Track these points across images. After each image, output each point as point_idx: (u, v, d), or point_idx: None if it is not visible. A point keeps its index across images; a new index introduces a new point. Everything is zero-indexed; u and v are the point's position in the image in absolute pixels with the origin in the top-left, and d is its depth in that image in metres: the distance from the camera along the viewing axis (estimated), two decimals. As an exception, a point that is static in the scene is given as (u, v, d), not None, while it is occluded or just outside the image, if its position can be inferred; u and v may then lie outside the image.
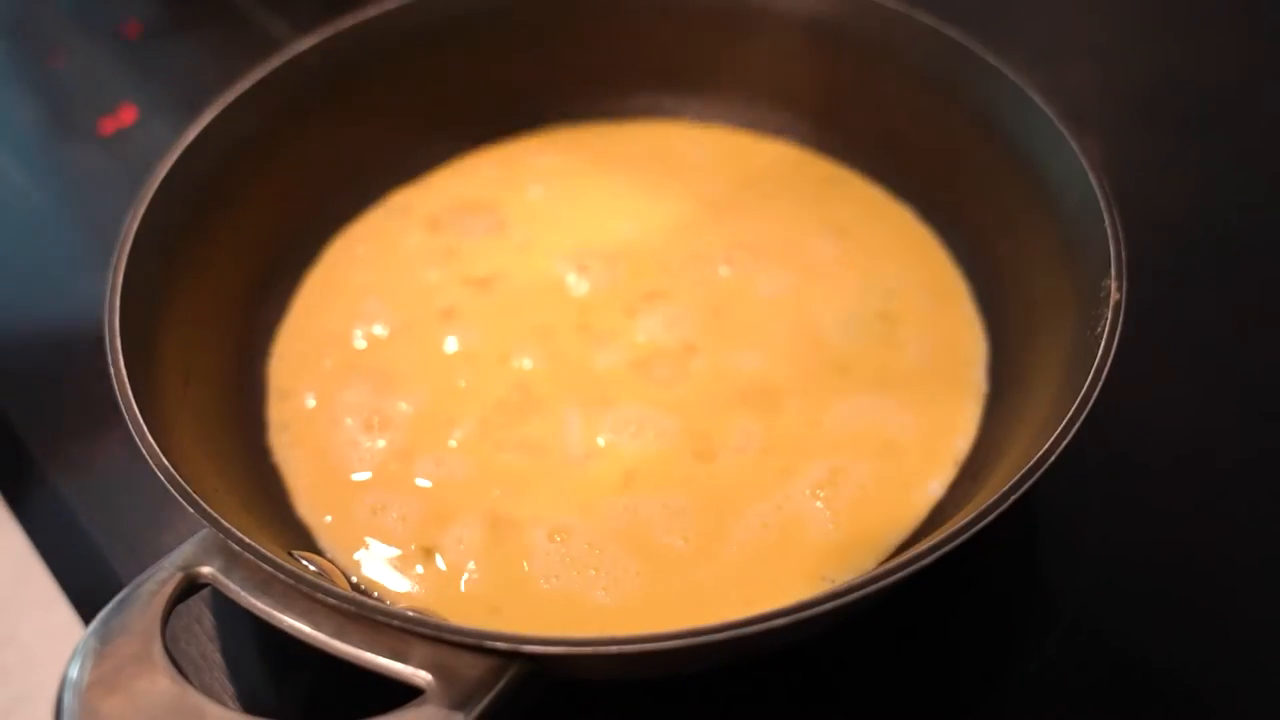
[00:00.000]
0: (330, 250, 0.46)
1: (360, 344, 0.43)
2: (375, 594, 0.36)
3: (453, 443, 0.40)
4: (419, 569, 0.36)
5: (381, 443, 0.40)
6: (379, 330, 0.44)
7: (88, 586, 0.40)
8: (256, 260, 0.43)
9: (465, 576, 0.36)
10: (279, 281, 0.45)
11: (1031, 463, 0.31)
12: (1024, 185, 0.41)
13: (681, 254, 0.46)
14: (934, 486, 0.38)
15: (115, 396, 0.33)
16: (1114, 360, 0.33)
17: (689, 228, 0.47)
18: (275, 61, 0.44)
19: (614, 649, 0.28)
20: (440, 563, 0.37)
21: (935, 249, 0.45)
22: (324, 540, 0.37)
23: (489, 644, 0.28)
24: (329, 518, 0.38)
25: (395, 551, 0.37)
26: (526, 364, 0.42)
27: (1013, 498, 0.30)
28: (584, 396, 0.41)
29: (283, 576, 0.29)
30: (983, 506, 0.30)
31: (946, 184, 0.45)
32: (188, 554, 0.31)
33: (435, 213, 0.48)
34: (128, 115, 0.56)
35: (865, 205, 0.47)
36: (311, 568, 0.32)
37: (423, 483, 0.39)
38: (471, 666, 0.28)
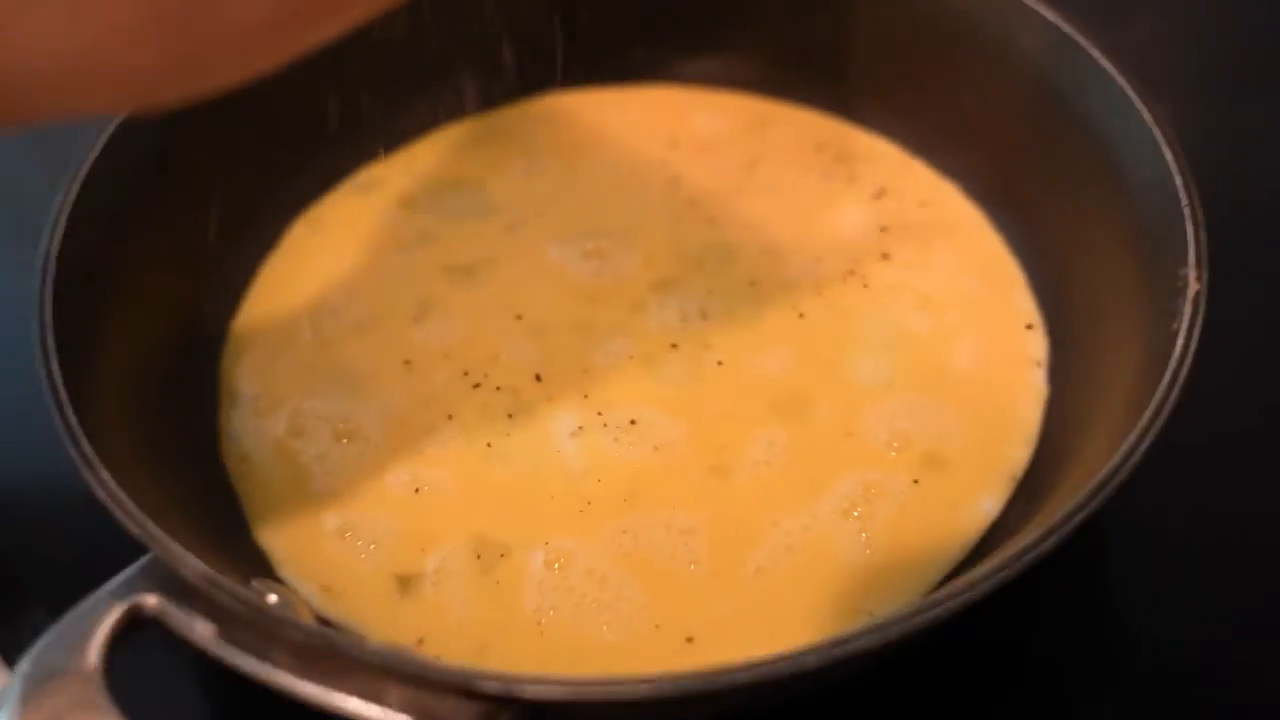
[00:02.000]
0: (290, 233, 0.47)
1: (325, 341, 0.43)
2: (344, 628, 0.36)
3: (433, 456, 0.40)
4: (395, 600, 0.37)
5: (350, 455, 0.40)
6: (347, 325, 0.44)
7: (10, 624, 0.40)
8: (206, 246, 0.43)
9: (448, 608, 0.36)
10: (232, 270, 0.45)
11: (1102, 475, 0.31)
12: (1087, 159, 0.41)
13: (695, 239, 0.46)
14: (986, 504, 0.38)
15: (45, 401, 0.33)
16: (1193, 360, 0.33)
17: (703, 208, 0.47)
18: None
19: (622, 692, 0.28)
20: (419, 593, 0.37)
21: (986, 232, 0.45)
22: (285, 568, 0.38)
23: (479, 685, 0.28)
24: (291, 541, 0.38)
25: (367, 580, 0.37)
26: (517, 364, 0.42)
27: (1081, 515, 0.30)
28: (583, 401, 0.41)
29: (240, 608, 0.29)
30: (1047, 526, 0.30)
31: (997, 157, 0.46)
32: (129, 583, 0.30)
33: (411, 191, 0.48)
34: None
35: (904, 182, 0.47)
36: (272, 598, 0.32)
37: (398, 501, 0.39)
38: (457, 711, 0.28)
